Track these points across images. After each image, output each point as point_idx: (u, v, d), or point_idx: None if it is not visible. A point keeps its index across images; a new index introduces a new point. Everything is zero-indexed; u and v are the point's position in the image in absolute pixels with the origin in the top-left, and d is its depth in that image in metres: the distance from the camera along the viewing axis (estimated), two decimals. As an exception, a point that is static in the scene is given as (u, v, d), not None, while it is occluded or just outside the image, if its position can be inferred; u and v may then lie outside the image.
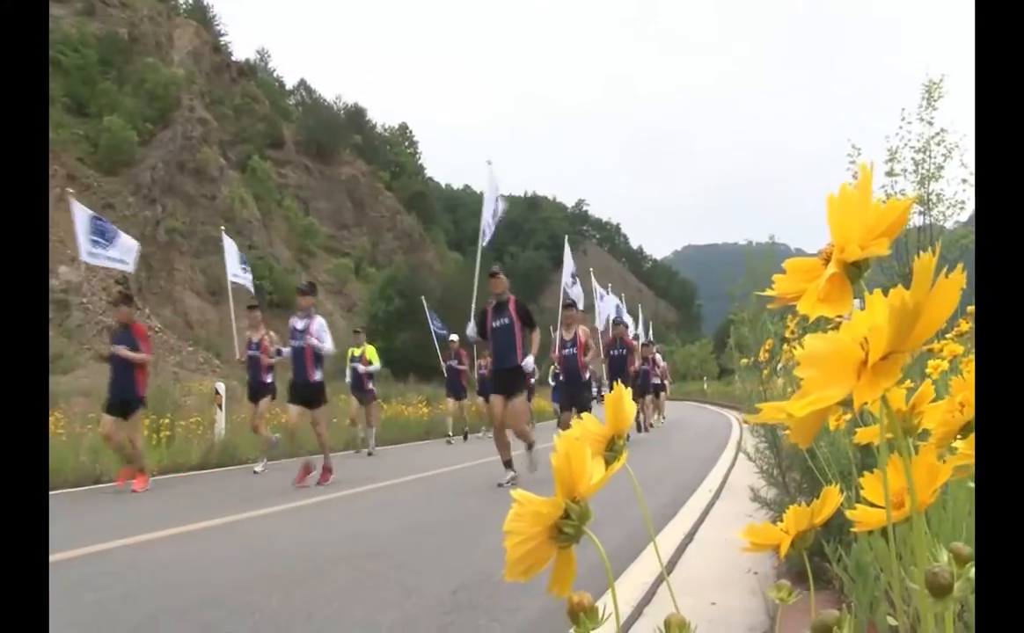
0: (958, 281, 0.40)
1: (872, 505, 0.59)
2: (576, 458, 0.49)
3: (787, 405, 0.43)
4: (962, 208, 12.26)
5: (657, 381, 17.87)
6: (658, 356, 19.08)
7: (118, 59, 47.64)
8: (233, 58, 65.82)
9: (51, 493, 7.81)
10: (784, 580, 0.66)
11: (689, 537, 4.33)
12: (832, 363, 0.43)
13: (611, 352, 13.96)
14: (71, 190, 12.19)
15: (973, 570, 0.47)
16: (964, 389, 0.61)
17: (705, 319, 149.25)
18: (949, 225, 12.43)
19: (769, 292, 0.50)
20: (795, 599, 0.66)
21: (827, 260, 0.47)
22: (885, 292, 0.48)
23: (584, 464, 0.49)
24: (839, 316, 0.46)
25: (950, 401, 0.60)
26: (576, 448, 0.49)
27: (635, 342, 16.85)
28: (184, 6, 63.55)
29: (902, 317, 0.39)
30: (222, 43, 64.58)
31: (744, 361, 4.33)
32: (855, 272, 0.47)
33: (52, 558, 4.19)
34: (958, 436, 0.59)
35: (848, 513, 0.60)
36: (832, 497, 0.61)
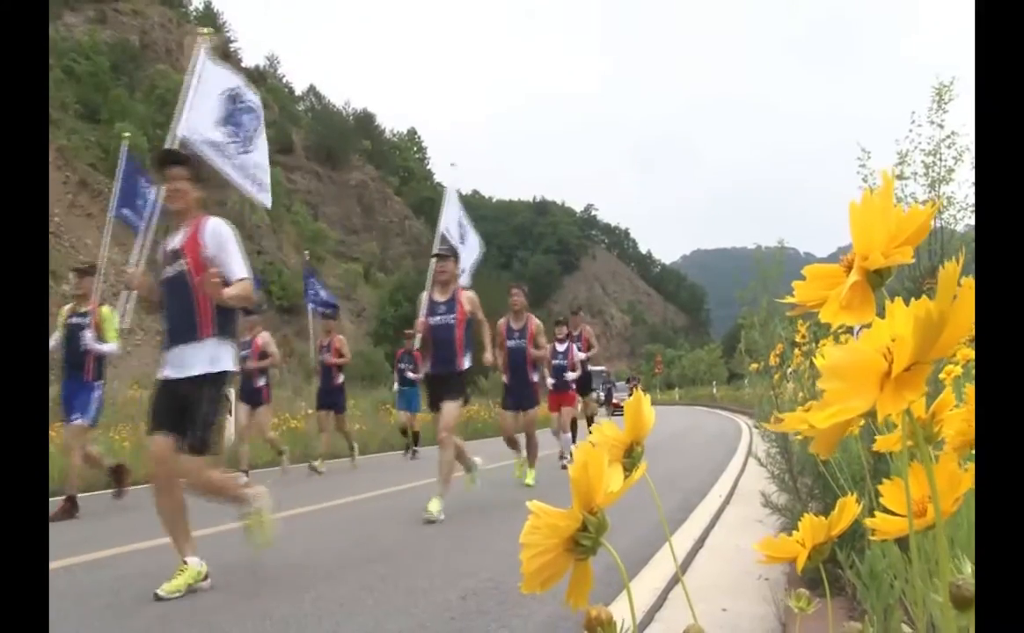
0: (983, 288, 0.40)
1: (891, 513, 0.58)
2: (593, 468, 0.48)
3: (809, 416, 0.42)
4: (973, 211, 12.20)
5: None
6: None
7: (129, 66, 48.00)
8: (243, 64, 66.17)
9: (60, 498, 7.84)
10: (802, 589, 0.65)
11: (699, 543, 4.31)
12: (855, 374, 0.42)
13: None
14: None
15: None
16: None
17: (714, 323, 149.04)
18: (960, 228, 12.37)
19: (790, 299, 0.50)
20: (814, 609, 0.65)
21: (849, 268, 0.46)
22: (893, 295, 0.47)
23: (601, 474, 0.48)
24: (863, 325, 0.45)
25: (970, 409, 0.59)
26: (593, 457, 0.48)
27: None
28: (194, 13, 63.91)
29: (927, 328, 0.38)
30: (232, 49, 64.93)
31: (754, 366, 4.32)
32: (877, 279, 0.46)
33: (62, 563, 4.21)
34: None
35: (867, 521, 0.59)
36: (849, 508, 0.60)
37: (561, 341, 10.03)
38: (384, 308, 46.03)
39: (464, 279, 8.28)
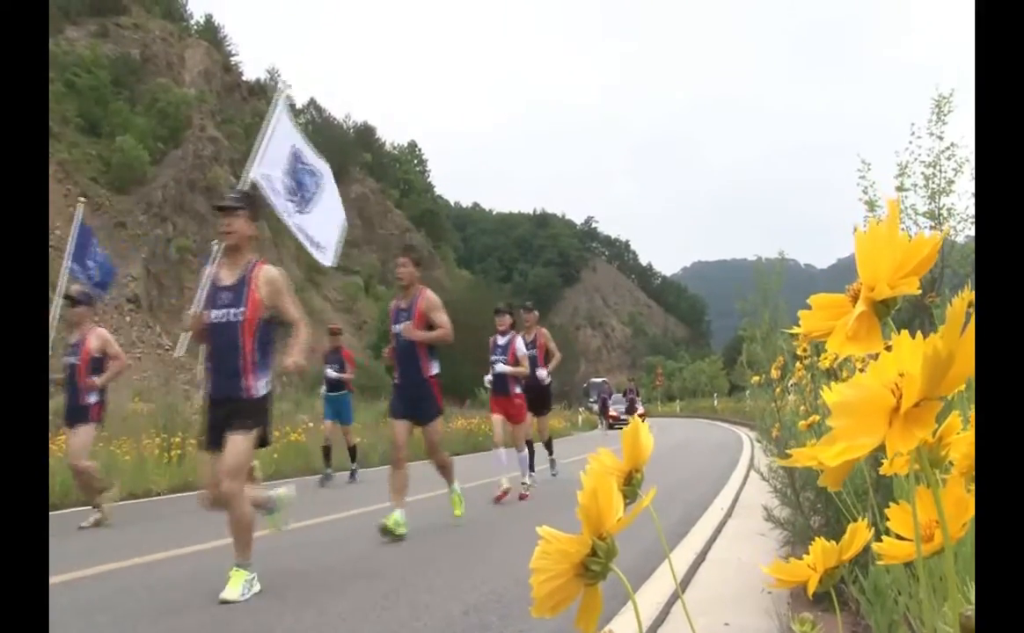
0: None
1: (899, 537, 0.59)
2: (603, 495, 0.49)
3: (819, 453, 0.42)
4: (973, 222, 12.18)
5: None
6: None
7: (130, 80, 48.24)
8: (244, 78, 66.45)
9: (63, 512, 7.84)
10: (806, 613, 0.66)
11: (702, 556, 4.31)
12: (863, 411, 0.42)
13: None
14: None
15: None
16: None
17: (714, 335, 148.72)
18: (960, 240, 12.34)
19: (796, 330, 0.50)
20: (817, 632, 0.65)
21: (855, 297, 0.47)
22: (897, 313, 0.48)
23: (611, 501, 0.49)
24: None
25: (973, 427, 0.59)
26: (603, 485, 0.49)
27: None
28: (195, 27, 64.20)
29: (936, 364, 0.39)
30: (233, 63, 65.26)
31: (756, 378, 4.32)
32: (883, 309, 0.46)
33: (64, 578, 4.20)
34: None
35: (875, 546, 0.59)
36: (860, 533, 0.60)
37: (503, 333, 8.20)
38: (385, 321, 46.01)
39: (327, 257, 5.65)
